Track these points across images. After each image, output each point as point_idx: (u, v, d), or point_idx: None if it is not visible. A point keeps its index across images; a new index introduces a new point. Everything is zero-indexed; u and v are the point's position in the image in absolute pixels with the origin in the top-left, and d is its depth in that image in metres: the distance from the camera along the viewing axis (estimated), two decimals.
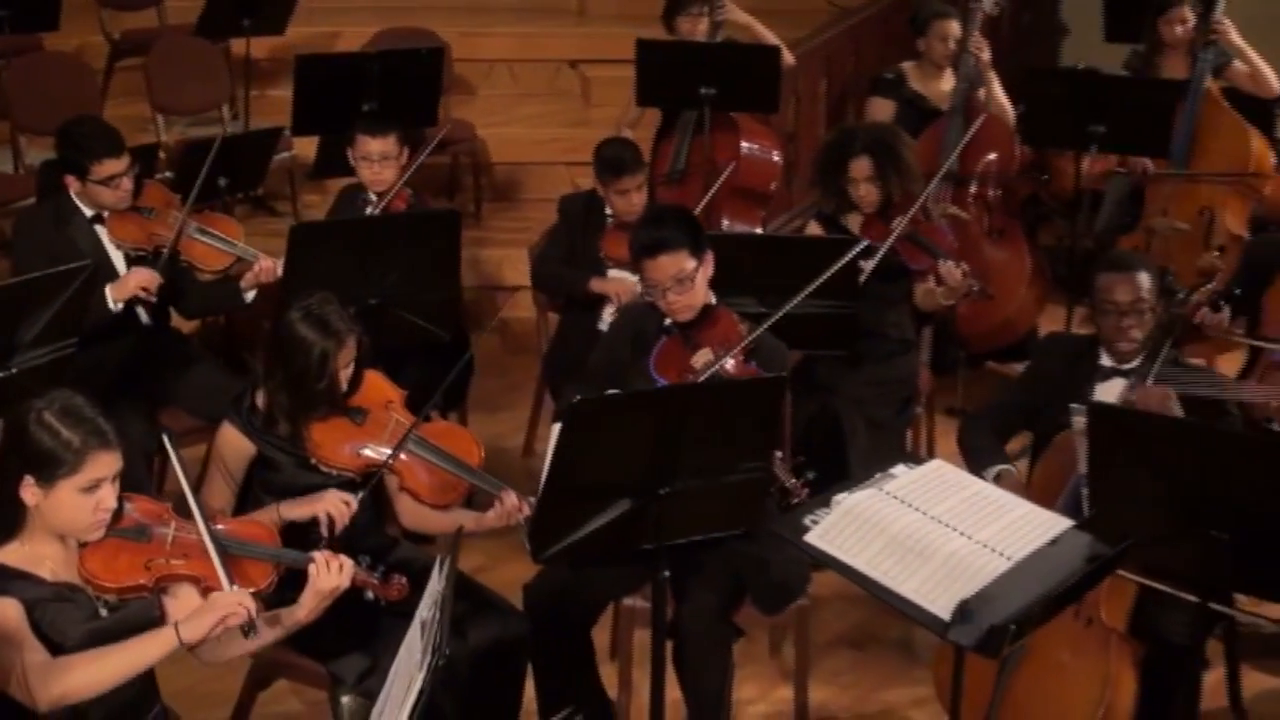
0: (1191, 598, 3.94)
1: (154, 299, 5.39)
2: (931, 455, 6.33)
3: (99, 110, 7.92)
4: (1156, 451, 3.85)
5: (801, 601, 4.74)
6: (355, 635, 4.07)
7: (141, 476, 5.36)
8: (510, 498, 4.31)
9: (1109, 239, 7.30)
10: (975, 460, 4.89)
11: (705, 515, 4.05)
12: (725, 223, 6.93)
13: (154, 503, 3.65)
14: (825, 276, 5.09)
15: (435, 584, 3.14)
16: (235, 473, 4.33)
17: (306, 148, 7.66)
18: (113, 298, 5.30)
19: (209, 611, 3.33)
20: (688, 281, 4.67)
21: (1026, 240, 7.34)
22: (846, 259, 5.23)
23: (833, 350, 5.57)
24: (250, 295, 5.64)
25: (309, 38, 9.00)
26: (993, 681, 4.17)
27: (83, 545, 3.44)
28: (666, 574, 4.05)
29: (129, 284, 5.32)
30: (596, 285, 6.09)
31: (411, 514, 4.46)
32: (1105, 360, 4.80)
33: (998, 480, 4.76)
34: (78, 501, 3.34)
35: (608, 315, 6.07)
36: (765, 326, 4.76)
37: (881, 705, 5.16)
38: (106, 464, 3.36)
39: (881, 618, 5.52)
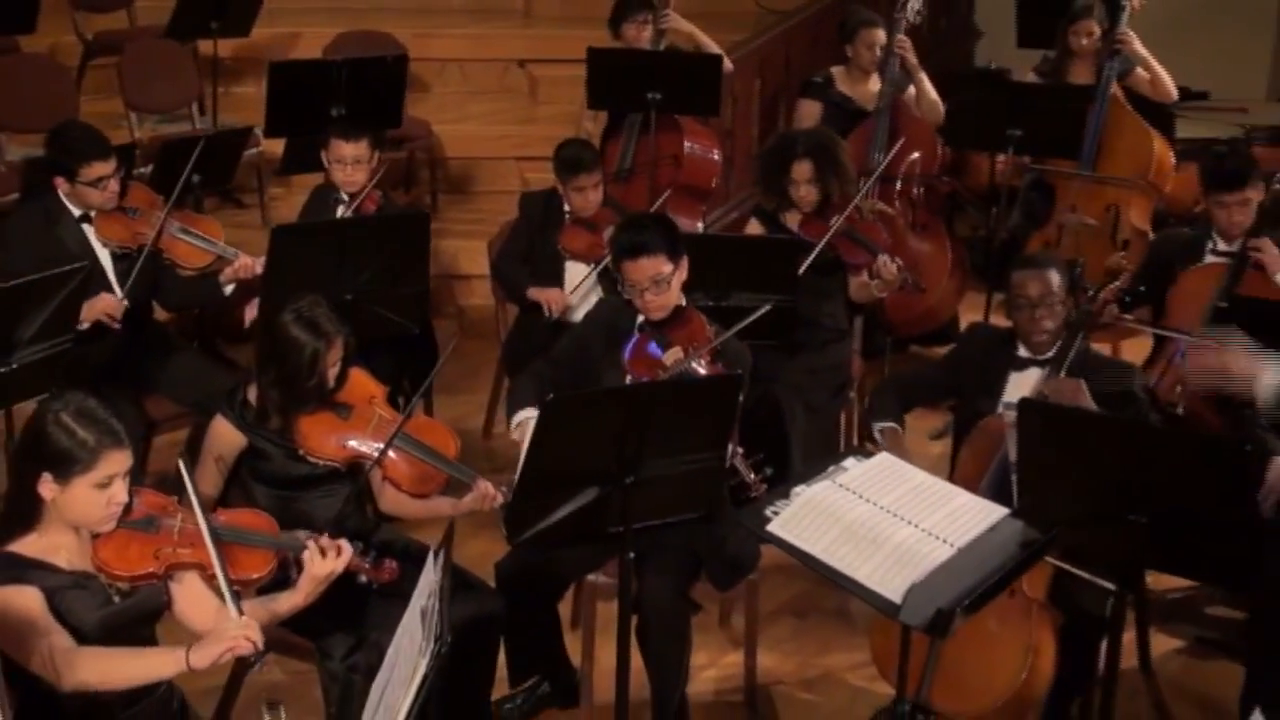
0: (1108, 585, 4.00)
1: (118, 325, 5.33)
2: (863, 436, 6.50)
3: (75, 107, 7.89)
4: (1081, 444, 3.88)
5: (751, 576, 4.80)
6: (342, 613, 4.08)
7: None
8: (484, 486, 4.36)
9: (1023, 233, 7.34)
10: (873, 413, 5.05)
11: (667, 501, 4.08)
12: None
13: (160, 496, 3.67)
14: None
15: (431, 574, 3.18)
16: (226, 462, 4.36)
17: (273, 145, 7.61)
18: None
19: (216, 643, 3.35)
20: (664, 283, 4.70)
21: (948, 234, 7.40)
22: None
23: (772, 340, 5.56)
24: (229, 290, 5.64)
25: (271, 39, 8.98)
26: (926, 648, 4.07)
27: (95, 536, 3.46)
28: (632, 555, 4.11)
29: (95, 308, 5.25)
30: (533, 293, 6.14)
31: (392, 501, 4.50)
32: (1021, 351, 4.83)
33: (882, 434, 4.95)
34: (92, 497, 3.37)
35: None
36: (731, 332, 4.78)
37: (822, 669, 5.22)
38: (118, 461, 3.39)
39: (820, 589, 5.57)
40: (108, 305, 5.31)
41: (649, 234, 4.78)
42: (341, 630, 4.14)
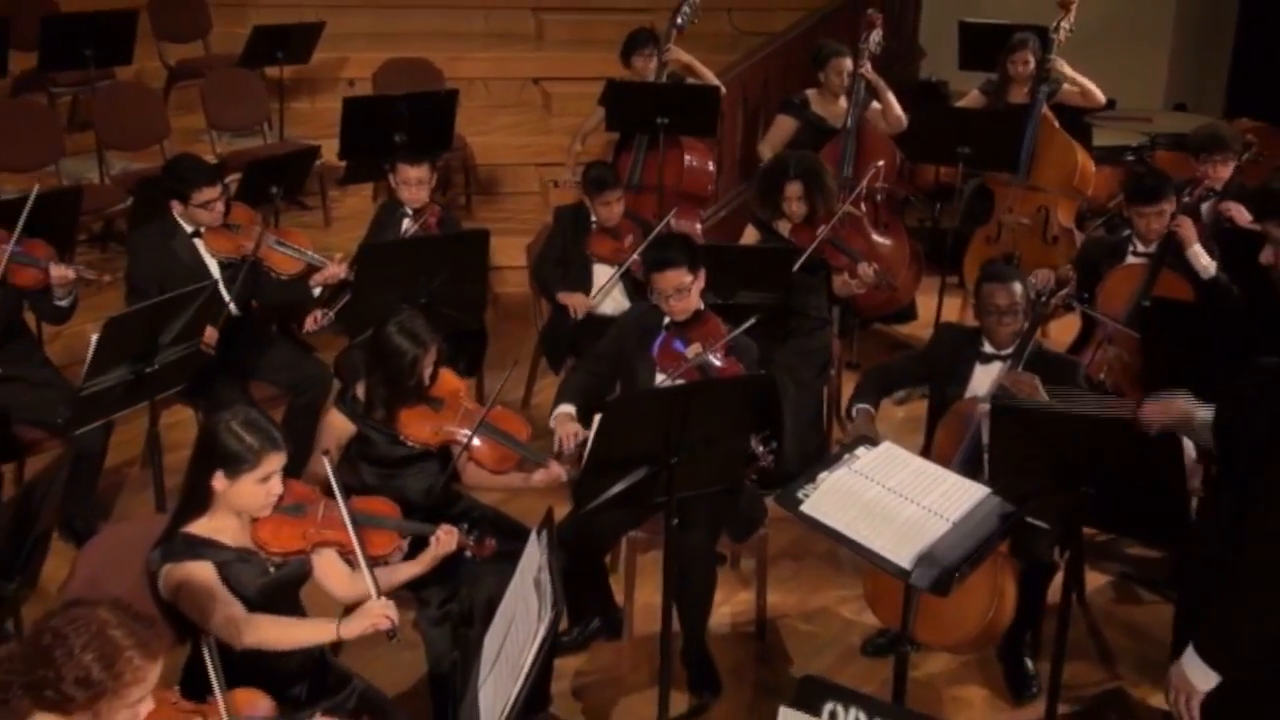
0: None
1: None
2: (841, 411, 6.65)
3: (166, 126, 8.00)
4: (1042, 434, 3.91)
5: (761, 530, 4.95)
6: (438, 571, 4.08)
7: None
8: (552, 467, 4.48)
9: (967, 229, 7.46)
10: (856, 396, 5.09)
11: (703, 476, 4.17)
12: (673, 221, 6.83)
13: (306, 486, 3.81)
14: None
15: (535, 551, 3.35)
16: (340, 446, 4.47)
17: (331, 157, 7.74)
18: None
19: (364, 618, 3.49)
20: (685, 291, 4.82)
21: (905, 230, 7.49)
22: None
23: (768, 328, 5.63)
24: (317, 291, 5.72)
25: (324, 63, 9.06)
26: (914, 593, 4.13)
27: (254, 520, 3.59)
28: (676, 520, 4.31)
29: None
30: (561, 298, 6.22)
31: (474, 476, 4.58)
32: (986, 348, 4.86)
33: (858, 413, 5.00)
34: (255, 489, 3.51)
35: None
36: (741, 329, 4.87)
37: (818, 605, 5.29)
38: (276, 461, 3.53)
39: (811, 537, 5.51)
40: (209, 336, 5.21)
41: (673, 251, 4.90)
42: (438, 585, 4.22)
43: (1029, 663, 4.79)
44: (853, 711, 2.67)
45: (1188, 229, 5.61)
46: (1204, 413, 3.32)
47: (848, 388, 6.61)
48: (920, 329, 7.61)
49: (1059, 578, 4.72)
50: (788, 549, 5.56)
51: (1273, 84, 10.89)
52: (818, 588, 5.43)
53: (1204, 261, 5.59)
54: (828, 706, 2.69)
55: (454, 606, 4.28)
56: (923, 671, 4.86)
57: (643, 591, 5.02)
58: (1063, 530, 4.34)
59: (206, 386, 5.47)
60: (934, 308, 7.26)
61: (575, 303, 6.19)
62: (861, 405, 5.04)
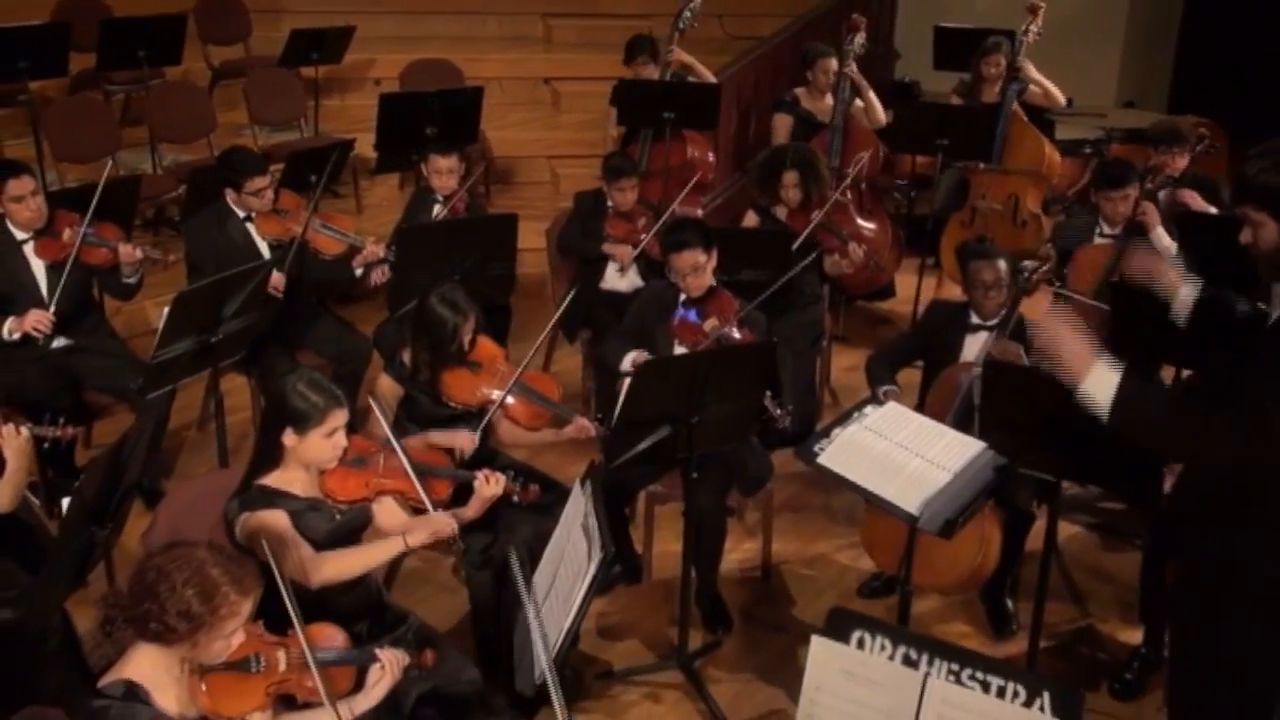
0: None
1: (47, 332, 5.11)
2: (830, 372, 6.71)
3: (212, 121, 7.99)
4: (1027, 394, 3.86)
5: (767, 486, 4.97)
6: (480, 520, 4.05)
7: None
8: (581, 421, 4.51)
9: (944, 215, 7.48)
10: (875, 381, 5.02)
11: (719, 433, 4.24)
12: (677, 207, 6.83)
13: (366, 440, 3.82)
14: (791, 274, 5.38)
15: (581, 499, 3.40)
16: (390, 407, 4.48)
17: (363, 149, 7.75)
18: (9, 329, 5.08)
19: (427, 526, 3.55)
20: (701, 269, 4.85)
21: (887, 216, 7.47)
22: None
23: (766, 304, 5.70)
24: (359, 271, 5.73)
25: (354, 64, 9.02)
26: (903, 535, 4.14)
27: (321, 471, 3.61)
28: (695, 475, 4.34)
29: (26, 322, 5.07)
30: (607, 248, 6.19)
31: (508, 433, 4.60)
32: (974, 319, 4.91)
33: (886, 395, 4.88)
34: (322, 444, 3.52)
35: (610, 274, 6.24)
36: (755, 304, 4.91)
37: (817, 551, 5.34)
38: (340, 417, 3.54)
39: (807, 492, 5.71)
40: (38, 319, 5.10)
41: (689, 233, 4.93)
42: (480, 532, 4.21)
43: (1009, 603, 4.83)
44: (878, 639, 2.72)
45: (1152, 215, 5.65)
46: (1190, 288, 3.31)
47: (837, 358, 6.78)
48: (899, 305, 7.66)
49: (1038, 526, 4.73)
50: (788, 502, 5.59)
51: (1212, 83, 11.00)
52: (816, 537, 5.46)
53: (1166, 243, 5.62)
54: (855, 634, 2.74)
55: (494, 552, 4.29)
56: (913, 611, 4.81)
57: (660, 540, 5.08)
58: (1041, 482, 4.33)
59: (259, 356, 5.50)
60: (912, 286, 7.31)
61: (620, 251, 6.18)
62: (888, 388, 4.97)
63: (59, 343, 5.27)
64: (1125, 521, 5.44)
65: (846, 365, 6.93)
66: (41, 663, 3.75)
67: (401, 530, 3.59)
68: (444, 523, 3.58)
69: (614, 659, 4.62)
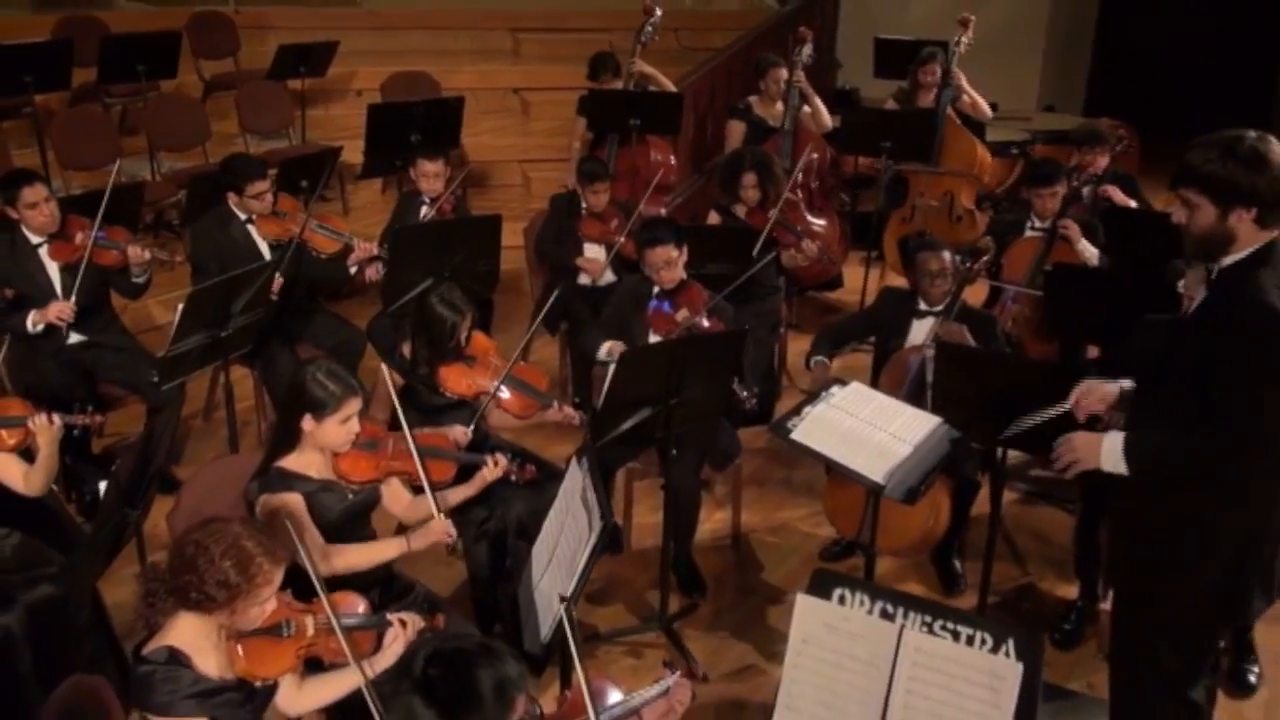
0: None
1: (70, 321, 5.08)
2: (788, 359, 6.76)
3: (207, 131, 7.93)
4: (975, 372, 4.01)
5: (736, 461, 5.05)
6: (477, 496, 4.08)
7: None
8: (567, 409, 4.54)
9: (886, 212, 7.53)
10: (813, 350, 5.12)
11: (694, 414, 4.28)
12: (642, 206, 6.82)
13: (376, 425, 3.84)
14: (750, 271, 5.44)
15: (578, 474, 3.42)
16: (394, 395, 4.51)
17: (350, 155, 7.73)
18: (33, 321, 5.06)
19: (428, 534, 3.60)
20: (673, 264, 4.89)
21: (835, 212, 7.53)
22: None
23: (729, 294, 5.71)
24: (354, 269, 5.72)
25: (337, 76, 8.94)
26: (862, 503, 4.31)
27: (335, 454, 3.62)
28: (674, 451, 4.38)
29: (49, 312, 5.06)
30: (580, 262, 6.21)
31: (499, 420, 4.59)
32: (921, 305, 4.96)
33: (815, 364, 5.03)
34: (337, 429, 3.54)
35: (583, 279, 6.25)
36: (721, 296, 4.95)
37: (780, 520, 5.40)
38: (355, 405, 3.56)
39: (769, 466, 5.78)
40: (60, 310, 5.08)
41: (661, 231, 4.98)
42: (477, 507, 4.23)
43: (958, 564, 4.92)
44: (858, 595, 2.78)
45: (1073, 230, 5.73)
46: (1126, 384, 3.39)
47: (791, 344, 6.82)
48: (847, 295, 7.75)
49: (983, 493, 4.80)
50: (752, 476, 5.64)
51: (1124, 87, 11.20)
52: (779, 508, 5.52)
53: (1089, 254, 5.72)
54: (837, 591, 2.80)
55: (491, 525, 4.33)
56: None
57: (638, 513, 5.12)
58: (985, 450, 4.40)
59: (261, 349, 5.49)
60: (859, 277, 7.40)
61: (590, 267, 6.19)
62: (818, 358, 5.08)
63: (74, 339, 5.26)
64: (1058, 488, 5.52)
65: (800, 350, 6.85)
66: (76, 636, 3.76)
67: (406, 534, 3.64)
68: (443, 532, 3.62)
69: (599, 622, 4.65)
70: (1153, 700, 3.29)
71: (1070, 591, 4.80)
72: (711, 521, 5.33)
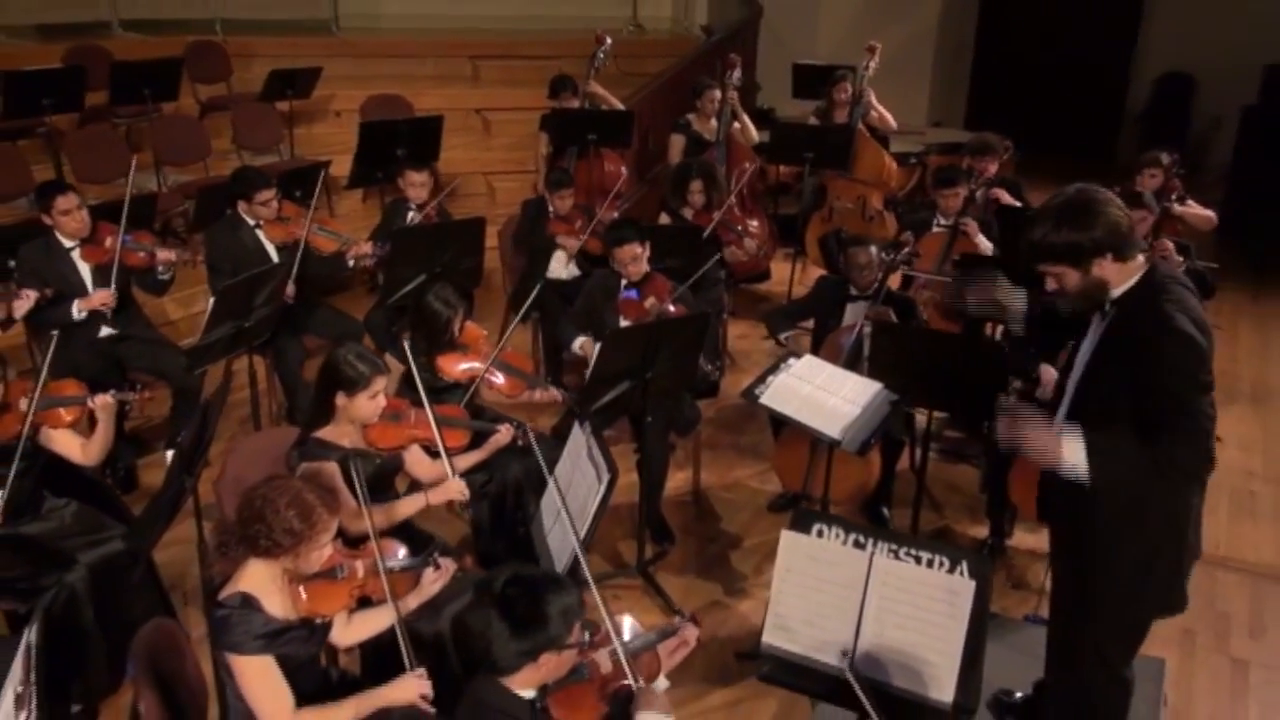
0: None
1: (113, 306, 5.08)
2: (727, 336, 6.84)
3: (207, 147, 7.84)
4: (906, 346, 4.17)
5: (697, 427, 5.15)
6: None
7: (296, 377, 5.51)
8: (551, 391, 4.58)
9: (808, 214, 7.65)
10: (777, 330, 5.27)
11: (667, 385, 4.37)
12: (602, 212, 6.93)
13: (398, 400, 3.88)
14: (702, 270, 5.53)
15: (581, 436, 3.50)
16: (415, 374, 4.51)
17: (337, 168, 7.67)
18: (78, 308, 5.04)
19: (445, 492, 3.65)
20: (639, 259, 4.98)
21: (764, 214, 7.58)
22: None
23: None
24: (352, 265, 5.72)
25: (320, 98, 8.79)
26: (806, 461, 4.42)
27: (365, 426, 3.68)
28: (649, 419, 4.49)
29: (94, 300, 5.06)
30: (559, 239, 6.19)
31: (490, 400, 4.66)
32: (853, 291, 5.11)
33: (787, 340, 5.15)
34: (367, 404, 3.59)
35: (555, 266, 6.26)
36: (685, 286, 5.03)
37: (733, 479, 5.49)
38: (381, 382, 3.60)
39: (719, 433, 5.84)
40: (104, 297, 5.10)
41: (628, 230, 5.07)
42: (478, 471, 4.24)
43: (886, 511, 5.04)
44: (833, 529, 2.90)
45: (972, 229, 5.88)
46: (1018, 301, 3.39)
47: (731, 329, 6.93)
48: (775, 286, 7.87)
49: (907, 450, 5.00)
50: (706, 441, 5.68)
51: (999, 104, 11.52)
52: (731, 468, 5.62)
53: (985, 246, 5.88)
54: (815, 526, 2.92)
55: (491, 487, 4.38)
56: None
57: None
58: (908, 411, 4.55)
59: (272, 339, 5.46)
60: (784, 271, 7.54)
61: (568, 243, 6.19)
62: (788, 334, 5.20)
63: (105, 331, 5.21)
64: (966, 445, 5.72)
65: (736, 334, 7.14)
66: (131, 591, 3.78)
67: (426, 490, 3.70)
68: (458, 490, 3.68)
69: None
70: (1090, 681, 3.15)
71: (981, 532, 4.97)
72: (674, 480, 5.38)
